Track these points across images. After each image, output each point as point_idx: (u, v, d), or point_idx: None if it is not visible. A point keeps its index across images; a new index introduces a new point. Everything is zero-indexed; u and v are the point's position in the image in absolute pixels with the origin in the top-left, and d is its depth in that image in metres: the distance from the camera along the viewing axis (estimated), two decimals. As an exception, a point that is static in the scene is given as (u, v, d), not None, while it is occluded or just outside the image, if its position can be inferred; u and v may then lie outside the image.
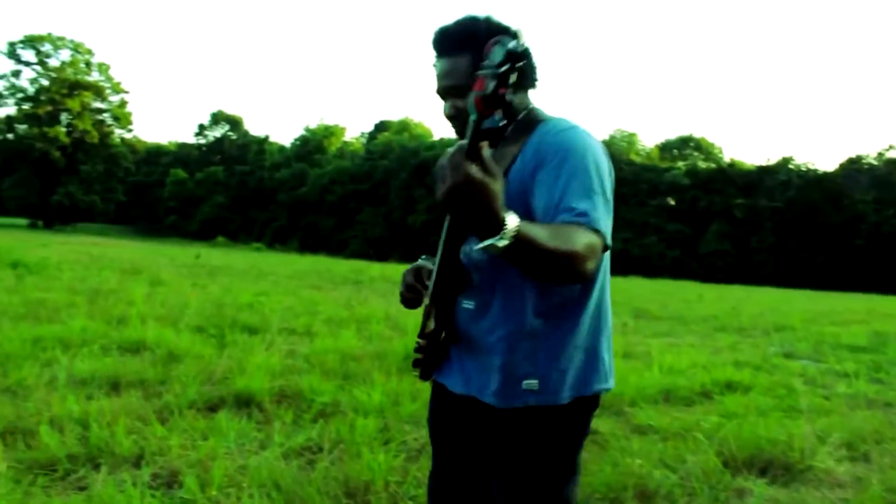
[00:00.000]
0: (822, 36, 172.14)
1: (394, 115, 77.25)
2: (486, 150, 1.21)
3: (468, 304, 1.77)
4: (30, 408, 4.35)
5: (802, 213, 56.53)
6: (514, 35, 1.28)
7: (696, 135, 70.90)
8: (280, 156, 78.69)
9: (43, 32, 71.32)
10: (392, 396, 5.20)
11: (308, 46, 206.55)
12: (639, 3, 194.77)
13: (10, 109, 70.02)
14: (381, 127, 77.17)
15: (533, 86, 1.79)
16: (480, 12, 1.73)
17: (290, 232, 70.17)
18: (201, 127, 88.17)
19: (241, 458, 3.84)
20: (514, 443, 1.75)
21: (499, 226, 1.26)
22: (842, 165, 60.28)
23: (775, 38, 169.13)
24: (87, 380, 5.21)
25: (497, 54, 1.25)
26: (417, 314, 1.89)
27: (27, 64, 69.70)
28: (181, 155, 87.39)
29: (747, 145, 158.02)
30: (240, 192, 77.07)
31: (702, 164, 67.24)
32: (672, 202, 63.05)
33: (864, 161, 60.08)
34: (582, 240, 1.46)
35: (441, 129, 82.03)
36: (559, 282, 1.66)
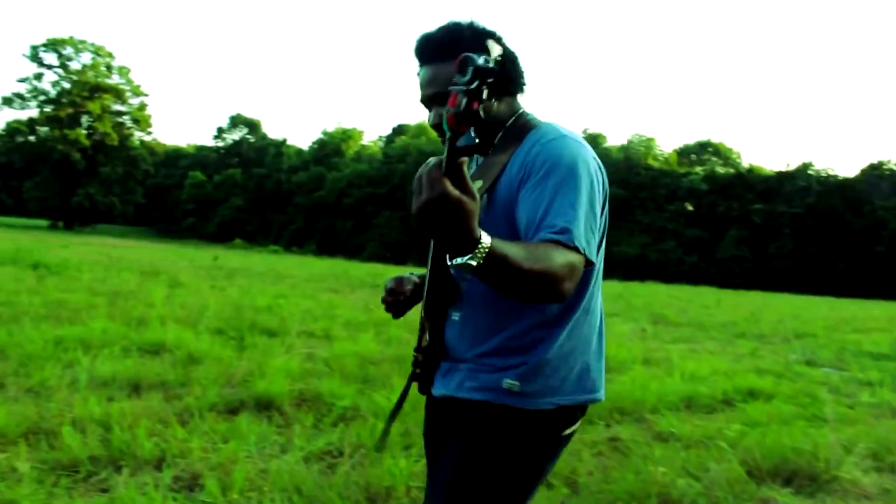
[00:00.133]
0: (844, 41, 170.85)
1: (411, 119, 77.12)
2: (465, 167, 1.19)
3: (455, 316, 1.76)
4: (52, 409, 4.37)
5: (822, 219, 56.13)
6: (496, 41, 1.24)
7: (715, 140, 70.55)
8: (298, 159, 79.03)
9: (65, 36, 72.25)
10: (413, 401, 5.14)
11: (326, 50, 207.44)
12: (658, 9, 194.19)
13: (32, 112, 70.91)
14: (399, 130, 77.32)
15: (521, 90, 1.76)
16: (464, 18, 1.68)
17: (308, 235, 70.44)
18: (220, 130, 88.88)
19: (262, 462, 3.83)
20: (477, 436, 1.70)
21: (472, 244, 1.23)
22: (863, 171, 59.83)
23: (796, 43, 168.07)
24: (108, 381, 5.23)
25: (466, 70, 1.22)
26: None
27: (49, 67, 70.51)
28: (199, 157, 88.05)
29: (766, 150, 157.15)
30: (257, 194, 77.47)
31: (720, 170, 66.91)
32: (690, 207, 62.82)
33: (885, 167, 59.58)
34: (559, 259, 1.41)
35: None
36: (536, 301, 1.61)
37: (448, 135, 1.20)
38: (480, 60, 1.22)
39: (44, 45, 70.07)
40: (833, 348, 11.32)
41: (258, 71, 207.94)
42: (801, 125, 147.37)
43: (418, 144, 68.83)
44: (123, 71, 73.97)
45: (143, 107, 75.76)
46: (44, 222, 68.44)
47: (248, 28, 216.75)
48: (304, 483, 3.53)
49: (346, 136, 79.86)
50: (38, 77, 70.37)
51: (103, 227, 70.93)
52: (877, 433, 5.30)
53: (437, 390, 1.81)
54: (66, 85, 70.30)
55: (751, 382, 7.05)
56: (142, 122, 75.70)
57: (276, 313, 10.08)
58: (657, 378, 6.88)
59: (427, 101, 1.75)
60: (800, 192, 59.45)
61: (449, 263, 1.30)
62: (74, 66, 70.91)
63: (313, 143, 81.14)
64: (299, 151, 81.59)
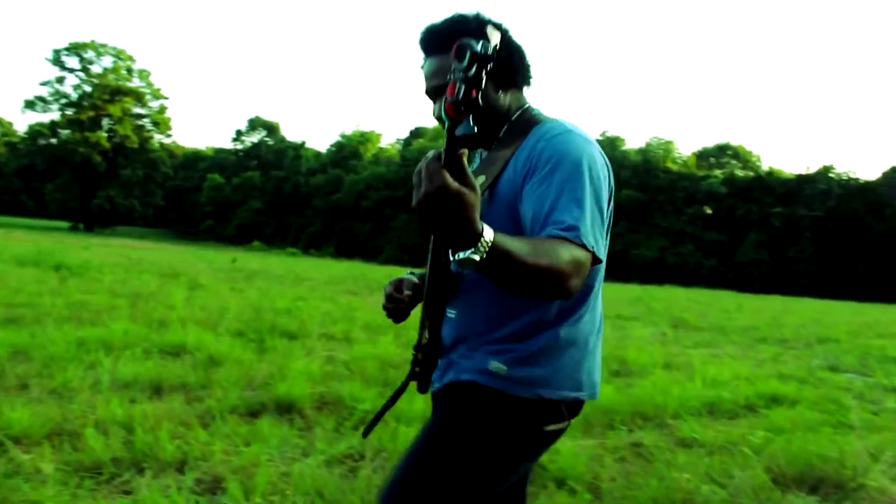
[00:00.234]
0: (865, 43, 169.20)
1: (429, 122, 77.27)
2: (465, 159, 1.16)
3: (451, 314, 1.76)
4: (75, 410, 4.39)
5: (843, 222, 55.59)
6: (496, 27, 1.19)
7: (734, 143, 70.09)
8: (316, 161, 79.41)
9: (87, 39, 73.01)
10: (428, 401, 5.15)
11: (344, 53, 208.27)
12: (678, 11, 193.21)
13: (54, 115, 71.79)
14: (417, 133, 77.50)
15: (527, 83, 1.74)
16: (469, 10, 1.67)
17: (326, 237, 70.70)
18: (238, 133, 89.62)
19: (284, 465, 3.82)
20: (457, 413, 1.69)
21: (474, 238, 1.20)
22: (884, 174, 59.18)
23: (816, 46, 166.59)
24: (130, 383, 5.25)
25: (464, 57, 1.18)
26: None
27: (71, 70, 71.42)
28: (218, 160, 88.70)
29: (786, 154, 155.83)
30: (276, 197, 77.87)
31: (739, 173, 66.48)
32: (709, 211, 62.43)
33: (907, 170, 58.92)
34: (565, 255, 1.38)
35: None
36: (540, 298, 1.58)
37: (447, 124, 1.17)
38: (478, 47, 1.18)
39: (66, 49, 71.03)
40: (856, 353, 11.17)
41: (277, 74, 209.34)
42: (822, 128, 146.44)
43: (436, 147, 68.87)
44: (144, 74, 74.72)
45: (162, 110, 76.48)
46: (65, 224, 69.20)
47: (266, 31, 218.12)
48: (325, 487, 3.52)
49: (364, 138, 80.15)
50: (60, 80, 71.33)
51: (123, 229, 71.62)
52: (904, 440, 5.22)
53: (435, 388, 1.81)
54: (88, 88, 71.16)
55: (774, 388, 6.96)
56: (161, 124, 76.39)
57: (296, 315, 10.10)
58: (678, 383, 6.81)
59: (432, 92, 1.73)
60: (820, 195, 58.94)
61: (451, 258, 1.25)
62: (96, 69, 71.85)
63: (331, 145, 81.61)
64: (317, 154, 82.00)
